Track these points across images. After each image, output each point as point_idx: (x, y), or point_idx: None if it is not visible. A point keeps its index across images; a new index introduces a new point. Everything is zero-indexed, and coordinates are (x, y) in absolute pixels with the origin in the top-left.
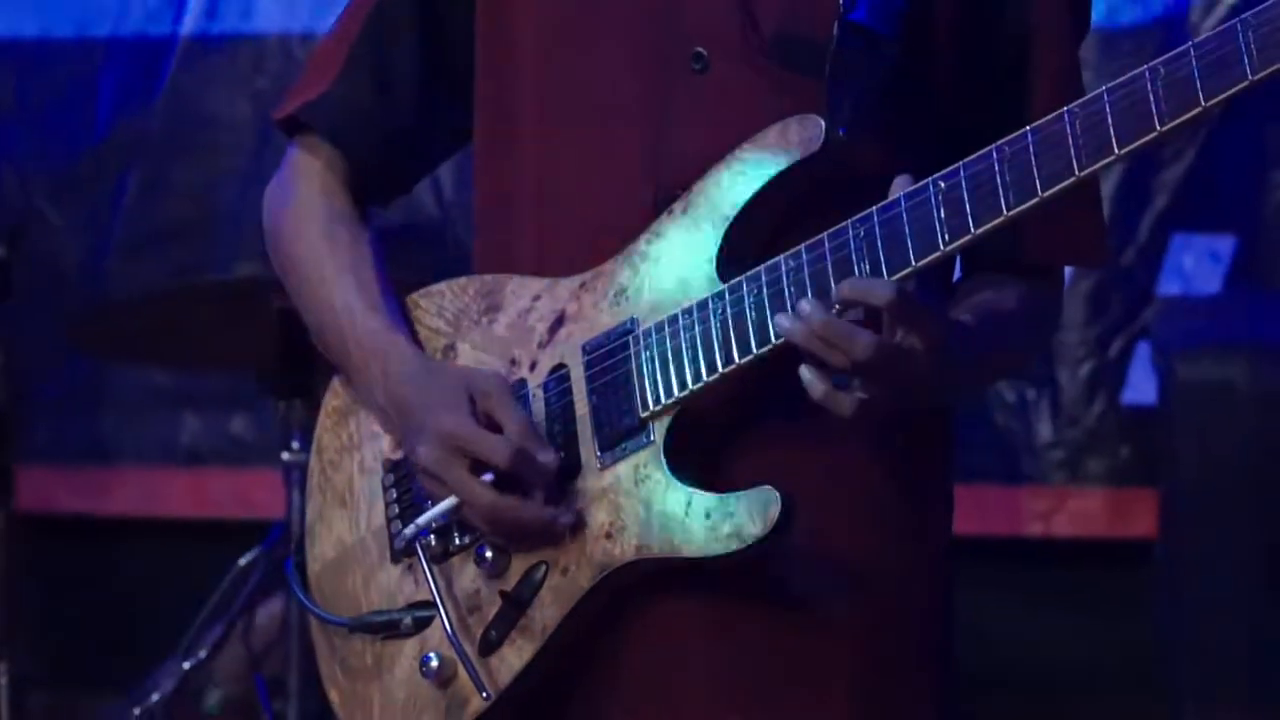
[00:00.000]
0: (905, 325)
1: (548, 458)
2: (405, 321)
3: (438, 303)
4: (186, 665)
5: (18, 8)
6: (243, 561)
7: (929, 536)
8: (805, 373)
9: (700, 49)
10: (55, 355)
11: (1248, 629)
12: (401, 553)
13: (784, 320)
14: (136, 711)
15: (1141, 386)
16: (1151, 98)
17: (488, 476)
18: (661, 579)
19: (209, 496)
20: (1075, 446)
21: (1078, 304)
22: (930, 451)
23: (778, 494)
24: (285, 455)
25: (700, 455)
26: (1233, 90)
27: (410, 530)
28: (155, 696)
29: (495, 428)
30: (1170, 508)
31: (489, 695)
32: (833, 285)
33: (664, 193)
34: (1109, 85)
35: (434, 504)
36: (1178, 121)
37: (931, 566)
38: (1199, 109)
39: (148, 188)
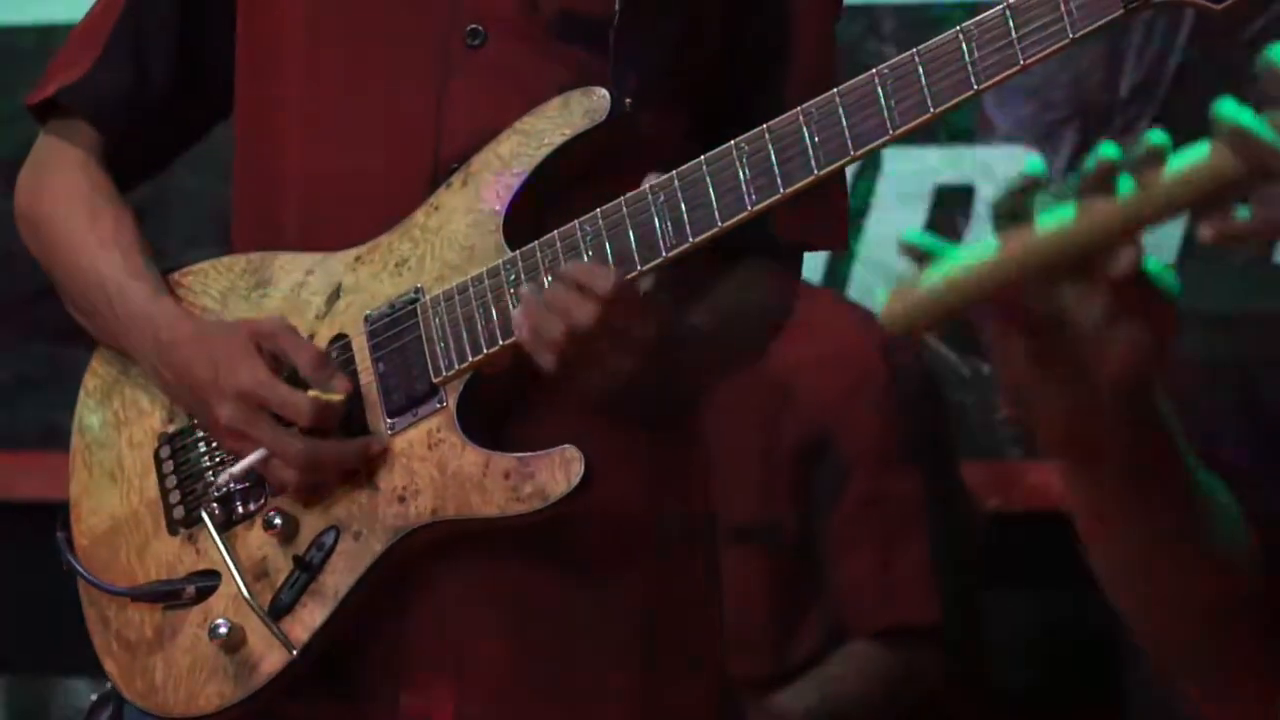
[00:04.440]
0: (626, 316)
1: (342, 385)
2: (171, 295)
3: (202, 281)
4: None
5: None
6: None
7: (696, 494)
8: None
9: (476, 25)
10: (8, 339)
11: None
12: (181, 523)
13: (525, 288)
14: (94, 697)
15: None
16: (967, 58)
17: (292, 429)
18: (453, 544)
19: None
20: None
21: None
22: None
23: (580, 453)
24: None
25: (493, 418)
26: (1052, 50)
27: (224, 478)
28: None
29: (289, 372)
30: None
31: (294, 652)
32: (634, 249)
33: (440, 167)
34: (919, 47)
35: (227, 464)
36: (994, 80)
37: (701, 524)
38: (1017, 67)
39: None
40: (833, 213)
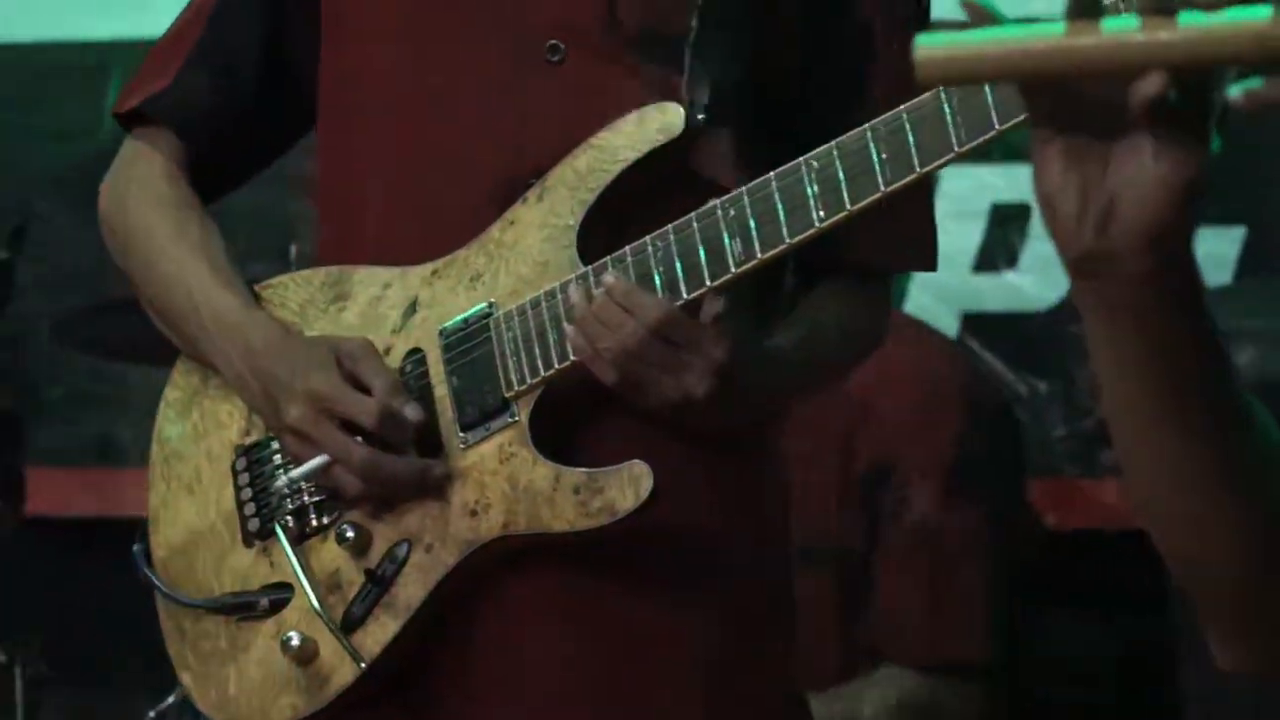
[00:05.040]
0: (686, 340)
1: (414, 413)
2: (260, 306)
3: (281, 294)
4: None
5: (26, 8)
6: None
7: (770, 514)
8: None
9: (556, 41)
10: (62, 356)
11: None
12: (255, 535)
13: (574, 291)
14: (151, 714)
15: None
16: None
17: (357, 439)
18: (521, 558)
19: None
20: (1087, 439)
21: None
22: (763, 434)
23: (648, 468)
24: None
25: (562, 432)
26: None
27: (282, 483)
28: (170, 698)
29: (363, 390)
30: None
31: (363, 665)
32: (703, 264)
33: (518, 182)
34: None
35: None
36: None
37: (775, 543)
38: None
39: None
40: (920, 234)
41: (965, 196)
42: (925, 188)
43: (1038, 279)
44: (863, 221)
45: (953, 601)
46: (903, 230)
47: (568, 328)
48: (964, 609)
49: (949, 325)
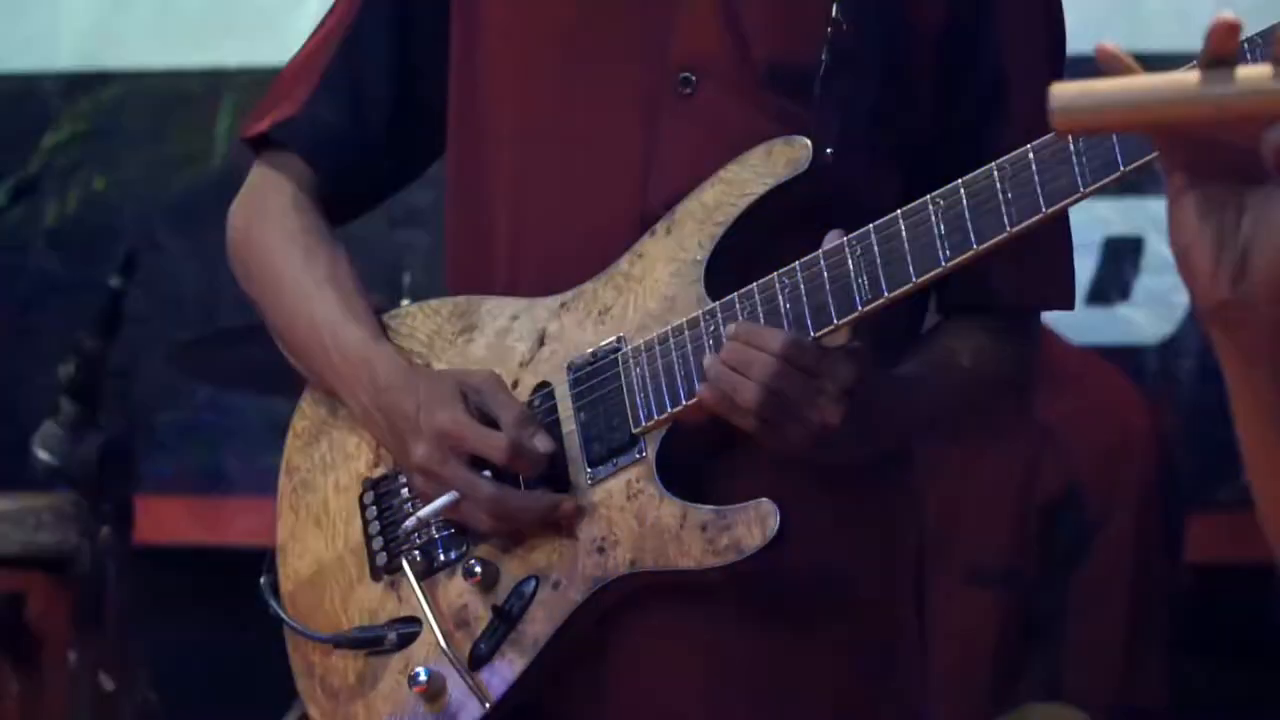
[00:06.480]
0: (809, 370)
1: (544, 443)
2: (387, 339)
3: (409, 324)
4: None
5: (139, 38)
6: None
7: (900, 548)
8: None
9: (688, 73)
10: (173, 385)
11: None
12: (383, 570)
13: (705, 361)
14: None
15: None
16: None
17: (485, 473)
18: (647, 595)
19: None
20: (1201, 474)
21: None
22: (897, 468)
23: (775, 506)
24: None
25: (689, 468)
26: None
27: (411, 522)
28: None
29: (491, 423)
30: None
31: (487, 705)
32: (830, 302)
33: (647, 214)
34: None
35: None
36: None
37: (904, 577)
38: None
39: None
40: (1058, 271)
41: (1078, 229)
42: (1063, 223)
43: (1150, 312)
44: (1000, 257)
45: (1145, 645)
46: (1041, 267)
47: (701, 388)
48: (1154, 653)
49: None
